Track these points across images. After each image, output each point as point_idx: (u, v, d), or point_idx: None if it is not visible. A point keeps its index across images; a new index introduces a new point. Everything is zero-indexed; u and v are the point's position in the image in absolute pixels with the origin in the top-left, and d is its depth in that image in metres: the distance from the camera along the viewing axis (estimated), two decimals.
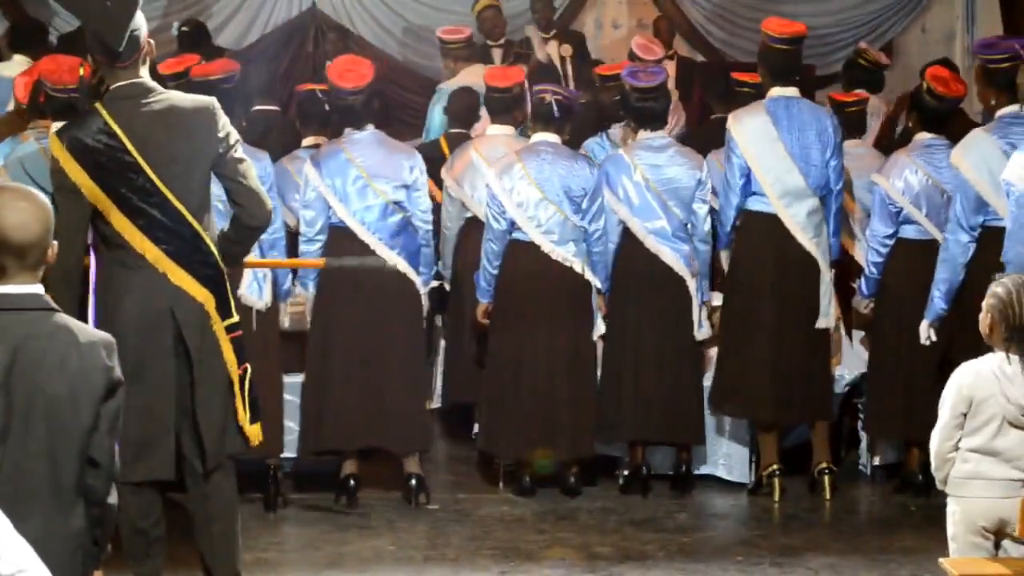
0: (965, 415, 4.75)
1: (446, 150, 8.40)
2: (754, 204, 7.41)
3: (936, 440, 4.83)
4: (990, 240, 6.72)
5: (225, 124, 5.32)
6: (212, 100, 5.35)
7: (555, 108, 7.43)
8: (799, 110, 7.43)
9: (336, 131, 7.58)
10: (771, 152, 7.33)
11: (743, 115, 7.46)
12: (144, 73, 5.30)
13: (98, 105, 5.27)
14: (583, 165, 7.46)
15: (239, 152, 5.34)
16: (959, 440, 4.78)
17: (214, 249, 5.28)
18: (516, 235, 7.38)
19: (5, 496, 3.53)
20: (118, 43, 5.16)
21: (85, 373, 3.69)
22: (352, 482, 7.22)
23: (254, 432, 5.37)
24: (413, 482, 7.22)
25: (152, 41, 5.36)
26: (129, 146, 5.16)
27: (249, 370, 5.36)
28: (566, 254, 7.36)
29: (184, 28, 10.23)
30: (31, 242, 3.65)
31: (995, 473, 4.74)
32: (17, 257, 3.65)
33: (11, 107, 8.23)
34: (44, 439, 3.64)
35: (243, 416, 5.32)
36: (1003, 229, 6.63)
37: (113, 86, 5.29)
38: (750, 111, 7.47)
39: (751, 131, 7.37)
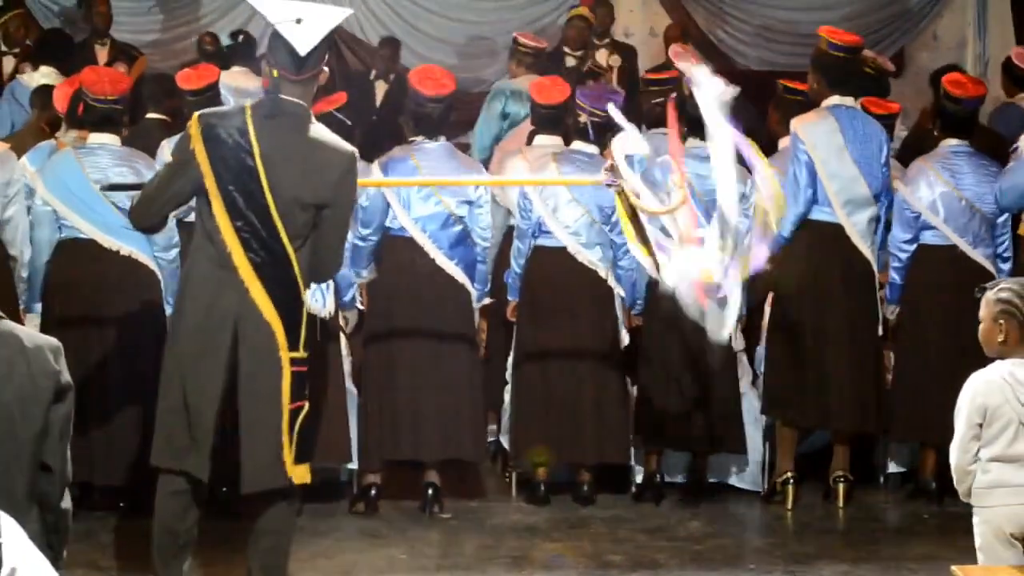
0: (981, 425, 4.73)
1: None
2: (815, 213, 7.40)
3: (955, 453, 4.81)
4: None
5: (354, 183, 5.37)
6: (354, 152, 5.36)
7: (590, 130, 7.43)
8: (861, 120, 7.45)
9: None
10: (838, 159, 7.34)
11: (810, 122, 7.43)
12: (307, 99, 5.30)
13: (248, 106, 5.30)
14: None
15: (349, 216, 5.43)
16: (978, 451, 4.76)
17: (300, 279, 5.27)
18: (542, 240, 7.39)
19: None
20: (304, 49, 5.16)
21: (32, 379, 3.68)
22: (374, 491, 7.22)
23: (299, 472, 5.30)
24: (430, 491, 7.22)
25: (327, 69, 5.37)
26: (256, 153, 5.19)
27: (306, 408, 5.31)
28: (592, 257, 7.35)
29: (239, 37, 9.96)
30: None
31: (1017, 479, 4.71)
32: None
33: (34, 117, 8.30)
34: None
35: (287, 453, 5.25)
36: None
37: (272, 95, 5.28)
38: (817, 116, 7.45)
39: (819, 135, 7.36)
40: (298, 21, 5.16)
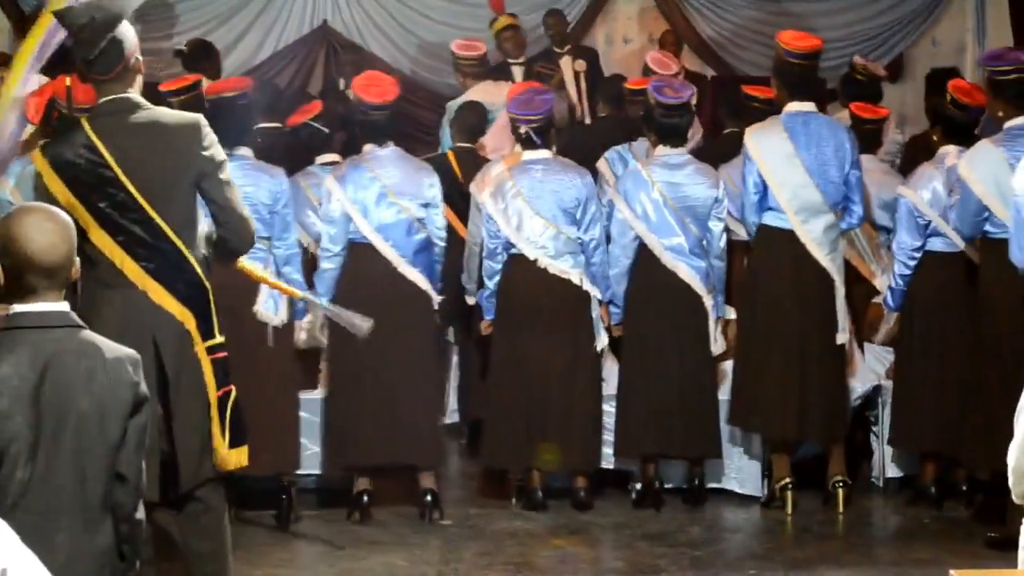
0: None
1: (455, 164, 8.39)
2: (770, 219, 7.40)
3: (1014, 454, 4.75)
4: (998, 252, 6.70)
5: (212, 143, 5.20)
6: (199, 117, 5.24)
7: (533, 136, 7.43)
8: (817, 125, 7.40)
9: (352, 146, 7.56)
10: (787, 167, 7.31)
11: (760, 130, 7.44)
12: (132, 89, 5.20)
13: (83, 120, 5.22)
14: (575, 176, 7.45)
15: (225, 174, 5.22)
16: None
17: (198, 268, 5.17)
18: (513, 250, 7.40)
19: (33, 512, 3.57)
20: (91, 52, 5.08)
21: (112, 389, 3.71)
22: (365, 498, 7.23)
23: (232, 457, 5.20)
24: (428, 498, 7.23)
25: (141, 58, 5.26)
26: (110, 161, 5.08)
27: (233, 393, 5.22)
28: (563, 267, 7.37)
29: (184, 48, 10.22)
30: (59, 263, 3.70)
31: None
32: (46, 277, 3.69)
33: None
34: (72, 455, 3.66)
35: (219, 440, 5.17)
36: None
37: (99, 101, 5.23)
38: (767, 126, 7.44)
39: (767, 146, 7.35)
40: (92, 20, 5.06)
